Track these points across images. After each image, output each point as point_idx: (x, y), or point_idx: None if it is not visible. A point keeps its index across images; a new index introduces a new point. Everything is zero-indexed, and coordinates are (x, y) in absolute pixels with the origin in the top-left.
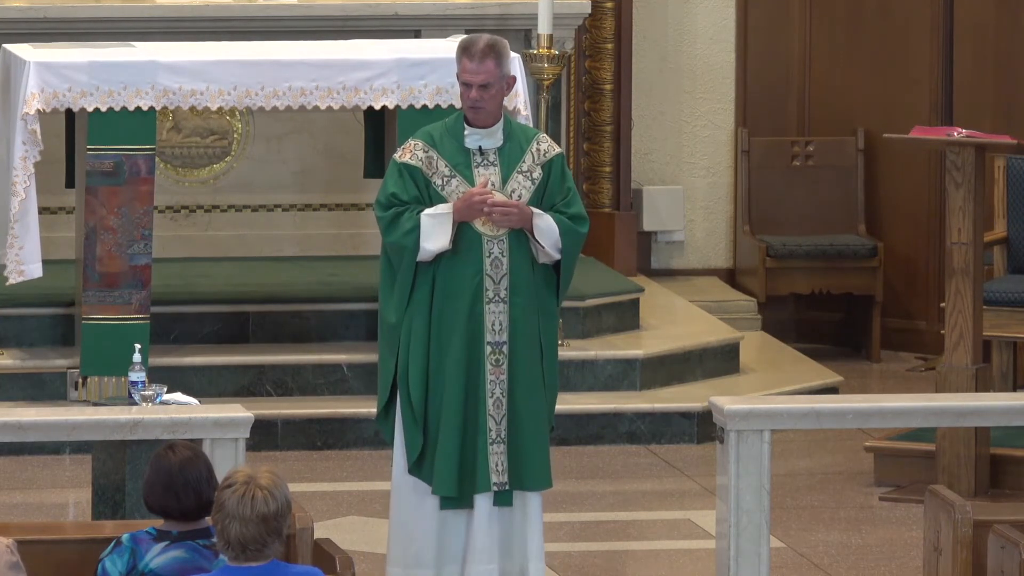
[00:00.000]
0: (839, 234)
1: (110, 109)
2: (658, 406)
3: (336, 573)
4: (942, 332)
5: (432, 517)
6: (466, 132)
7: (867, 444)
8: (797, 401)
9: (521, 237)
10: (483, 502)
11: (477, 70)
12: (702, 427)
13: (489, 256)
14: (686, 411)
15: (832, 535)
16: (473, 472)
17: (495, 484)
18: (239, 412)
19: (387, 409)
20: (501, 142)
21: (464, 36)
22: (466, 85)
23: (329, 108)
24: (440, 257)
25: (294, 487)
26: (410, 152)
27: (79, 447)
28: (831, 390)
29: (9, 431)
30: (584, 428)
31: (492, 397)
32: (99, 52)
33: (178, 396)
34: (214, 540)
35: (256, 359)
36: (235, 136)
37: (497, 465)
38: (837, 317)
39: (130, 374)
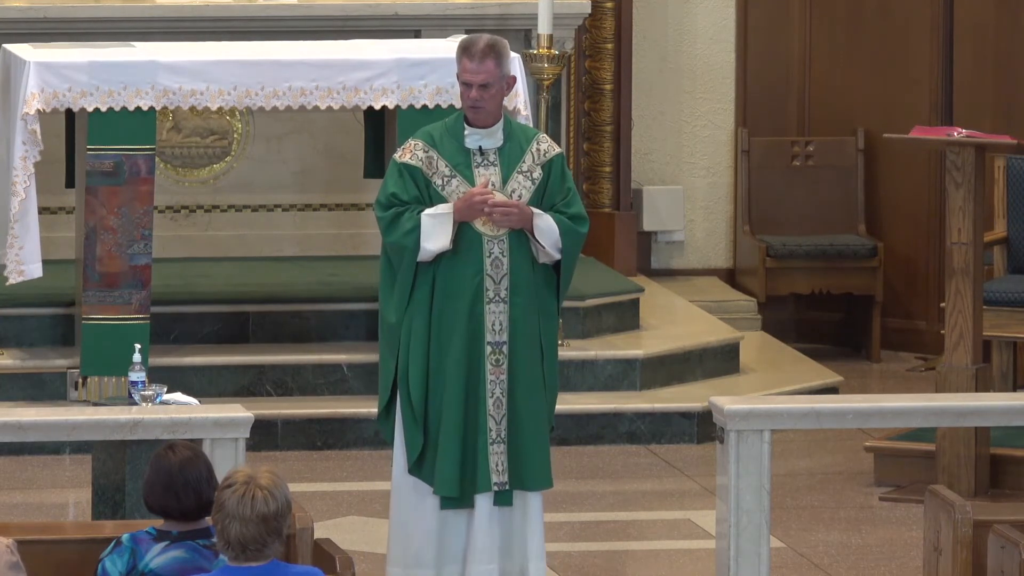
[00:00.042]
0: (839, 234)
1: (110, 109)
2: (658, 406)
3: (336, 573)
4: (942, 332)
5: (432, 517)
6: (466, 132)
7: (867, 444)
8: (797, 401)
9: (521, 237)
10: (483, 502)
11: (477, 70)
12: (702, 427)
13: (489, 256)
14: (686, 411)
15: (832, 535)
16: (474, 472)
17: (495, 484)
18: (239, 412)
19: (387, 409)
20: (501, 142)
21: (464, 36)
22: (466, 85)
23: (329, 108)
24: (440, 257)
25: (294, 487)
26: (410, 152)
27: (79, 447)
28: (831, 390)
29: (9, 431)
30: (584, 428)
31: (492, 397)
32: (99, 52)
33: (178, 396)
34: (214, 540)
35: (256, 359)
36: (235, 136)
37: (497, 465)
38: (837, 317)
39: (130, 374)
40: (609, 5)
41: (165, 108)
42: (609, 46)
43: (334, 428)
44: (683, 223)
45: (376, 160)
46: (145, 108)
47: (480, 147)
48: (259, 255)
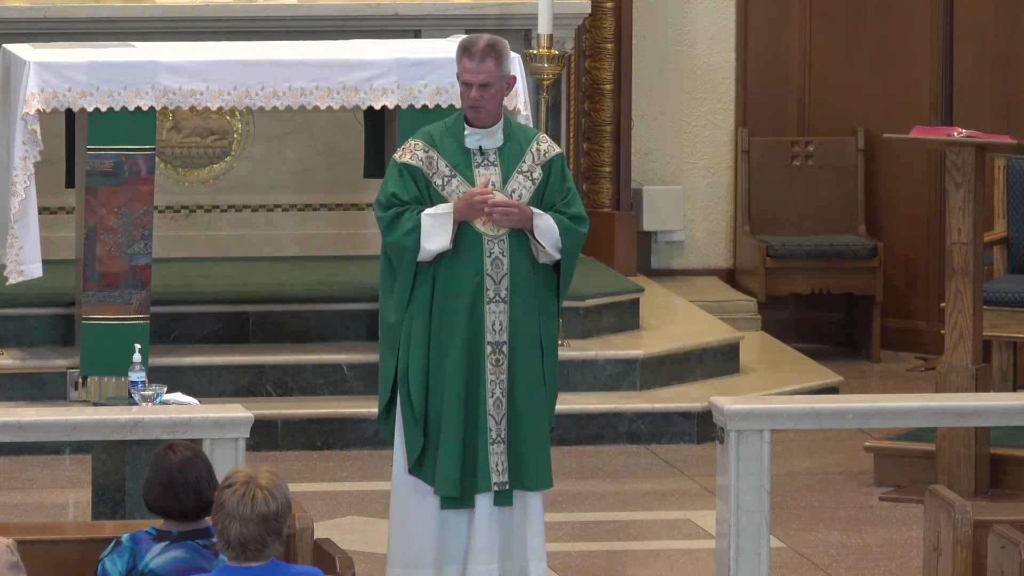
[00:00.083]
0: (839, 234)
1: (110, 109)
2: (658, 406)
3: (336, 573)
4: (942, 332)
5: (432, 517)
6: (466, 132)
7: (867, 444)
8: (797, 401)
9: (521, 237)
10: (484, 502)
11: (477, 70)
12: (702, 427)
13: (489, 256)
14: (686, 411)
15: (832, 535)
16: (474, 472)
17: (495, 484)
18: (239, 412)
19: (388, 409)
20: (501, 142)
21: (464, 36)
22: (466, 85)
23: (329, 108)
24: (440, 257)
25: (294, 487)
26: (410, 152)
27: (79, 447)
28: (831, 390)
29: (9, 431)
30: (584, 428)
31: (492, 397)
32: (99, 52)
33: (178, 396)
34: (214, 540)
35: (256, 359)
36: (235, 136)
37: (497, 465)
38: (837, 317)
39: (130, 374)
40: (609, 5)
41: (165, 108)
42: (609, 46)
43: (334, 428)
44: (683, 223)
45: (376, 160)
46: (145, 108)
47: (480, 147)
48: (259, 255)
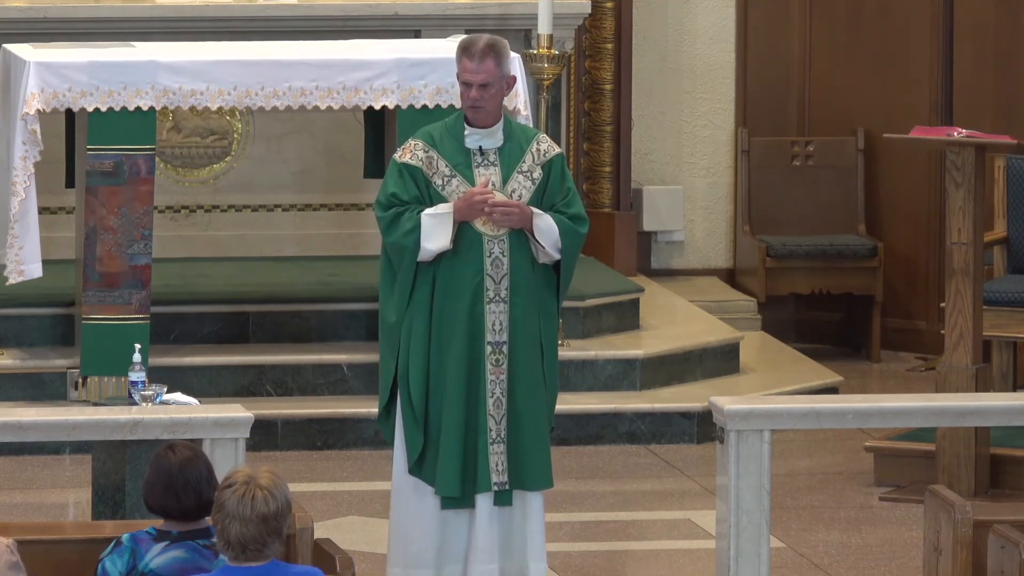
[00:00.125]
0: (839, 234)
1: (110, 109)
2: (658, 406)
3: (336, 573)
4: (942, 332)
5: (432, 517)
6: (466, 132)
7: (867, 444)
8: (797, 401)
9: (521, 237)
10: (484, 502)
11: (477, 70)
12: (702, 427)
13: (490, 256)
14: (686, 411)
15: (832, 535)
16: (474, 472)
17: (495, 484)
18: (239, 412)
19: (388, 409)
20: (501, 142)
21: (464, 36)
22: (466, 85)
23: (329, 108)
24: (440, 257)
25: (294, 487)
26: (410, 152)
27: (79, 447)
28: (831, 390)
29: (9, 431)
30: (584, 428)
31: (492, 397)
32: (99, 52)
33: (178, 396)
34: (214, 540)
35: (256, 359)
36: (235, 136)
37: (497, 465)
38: (837, 317)
39: (130, 374)
40: (609, 5)
41: (165, 108)
42: (609, 46)
43: (334, 428)
44: (683, 223)
45: (376, 160)
46: (145, 108)
47: (480, 147)
48: (259, 255)
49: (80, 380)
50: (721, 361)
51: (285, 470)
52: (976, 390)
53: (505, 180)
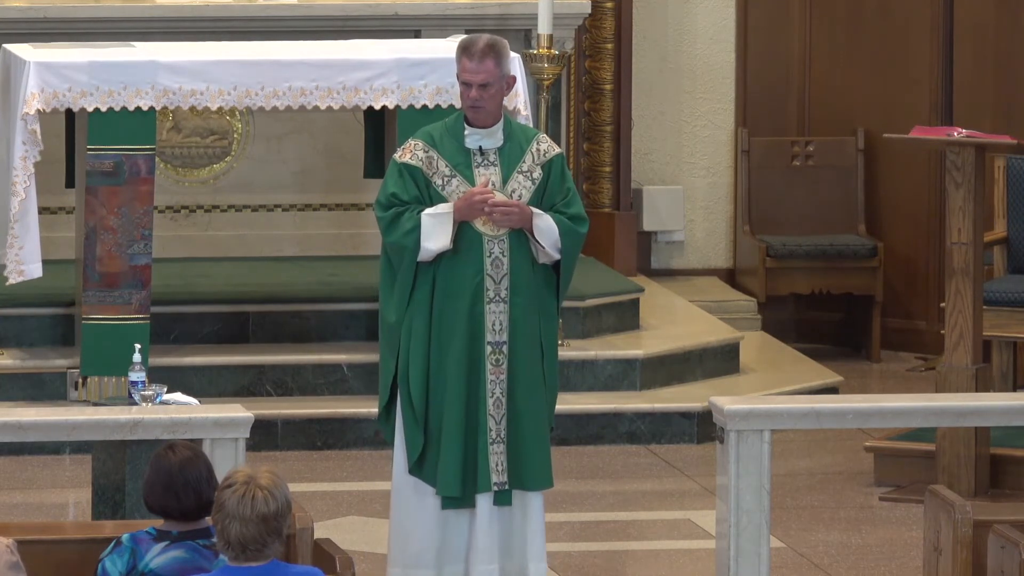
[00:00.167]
0: (839, 234)
1: (110, 109)
2: (658, 406)
3: (336, 573)
4: (942, 332)
5: (432, 517)
6: (466, 132)
7: (867, 444)
8: (797, 401)
9: (521, 237)
10: (484, 502)
11: (477, 70)
12: (702, 427)
13: (490, 256)
14: (686, 411)
15: (832, 535)
16: (474, 472)
17: (495, 484)
18: (239, 412)
19: (388, 409)
20: (501, 142)
21: (464, 36)
22: (466, 85)
23: (329, 108)
24: (440, 257)
25: (294, 487)
26: (410, 152)
27: (79, 447)
28: (831, 390)
29: (9, 431)
30: (584, 428)
31: (492, 397)
32: (99, 52)
33: (178, 396)
34: (214, 540)
35: (256, 359)
36: (235, 136)
37: (497, 465)
38: (837, 317)
39: (130, 374)
40: (609, 5)
41: (165, 108)
42: (609, 46)
43: (334, 428)
44: (683, 223)
45: (376, 160)
46: (145, 108)
47: (480, 147)
48: (259, 255)
49: (80, 380)
50: (721, 361)
51: (285, 470)
52: (976, 390)
53: (505, 180)
